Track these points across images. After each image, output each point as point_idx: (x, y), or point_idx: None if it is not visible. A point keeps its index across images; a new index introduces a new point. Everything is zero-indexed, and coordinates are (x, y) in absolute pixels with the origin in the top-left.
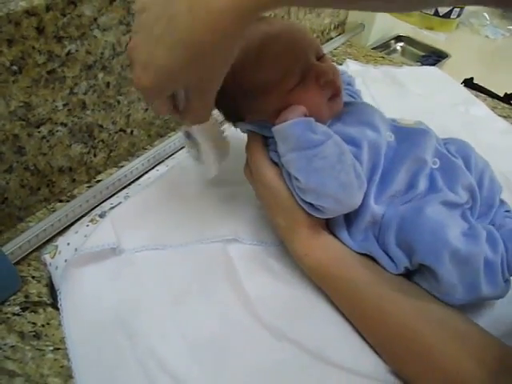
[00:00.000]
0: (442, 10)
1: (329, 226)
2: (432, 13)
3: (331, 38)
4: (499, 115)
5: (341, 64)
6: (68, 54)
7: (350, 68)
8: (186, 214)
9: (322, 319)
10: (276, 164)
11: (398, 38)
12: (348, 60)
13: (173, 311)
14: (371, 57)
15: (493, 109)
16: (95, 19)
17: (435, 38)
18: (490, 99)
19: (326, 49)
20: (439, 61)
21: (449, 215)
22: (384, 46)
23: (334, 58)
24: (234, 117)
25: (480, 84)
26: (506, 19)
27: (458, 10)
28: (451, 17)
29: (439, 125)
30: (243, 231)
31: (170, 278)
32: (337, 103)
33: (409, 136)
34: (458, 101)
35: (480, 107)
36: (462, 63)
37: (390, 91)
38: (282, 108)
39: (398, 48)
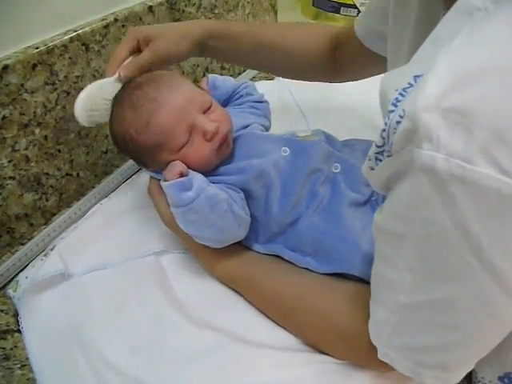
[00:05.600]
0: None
1: None
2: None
3: None
4: None
5: (272, 79)
6: (3, 118)
7: (280, 81)
8: (123, 236)
9: (241, 309)
10: None
11: None
12: None
13: (114, 318)
14: None
15: None
16: (22, 85)
17: None
18: None
19: None
20: None
21: (358, 219)
22: None
23: (268, 74)
24: (140, 164)
25: None
26: None
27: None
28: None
29: (362, 119)
30: (171, 243)
31: (112, 291)
32: (226, 148)
33: (302, 149)
34: None
35: None
36: None
37: (316, 95)
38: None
39: None
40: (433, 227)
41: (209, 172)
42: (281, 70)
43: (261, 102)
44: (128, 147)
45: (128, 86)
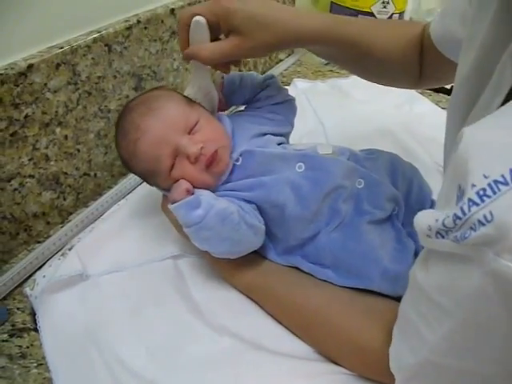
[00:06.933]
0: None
1: None
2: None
3: (281, 60)
4: (443, 108)
5: (288, 84)
6: (26, 116)
7: (298, 87)
8: (140, 239)
9: (259, 316)
10: None
11: None
12: (295, 79)
13: (132, 322)
14: (320, 72)
15: (437, 103)
16: (45, 84)
17: None
18: (435, 94)
19: (276, 71)
20: None
21: (378, 234)
22: None
23: (284, 79)
24: (149, 183)
25: None
26: None
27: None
28: None
29: (379, 128)
30: (189, 247)
31: (129, 294)
32: (217, 166)
33: (320, 165)
34: (403, 100)
35: (424, 103)
36: None
37: (333, 103)
38: (175, 181)
39: None
40: (486, 317)
41: (216, 188)
42: (359, 69)
43: (283, 102)
44: (130, 170)
45: (124, 110)
